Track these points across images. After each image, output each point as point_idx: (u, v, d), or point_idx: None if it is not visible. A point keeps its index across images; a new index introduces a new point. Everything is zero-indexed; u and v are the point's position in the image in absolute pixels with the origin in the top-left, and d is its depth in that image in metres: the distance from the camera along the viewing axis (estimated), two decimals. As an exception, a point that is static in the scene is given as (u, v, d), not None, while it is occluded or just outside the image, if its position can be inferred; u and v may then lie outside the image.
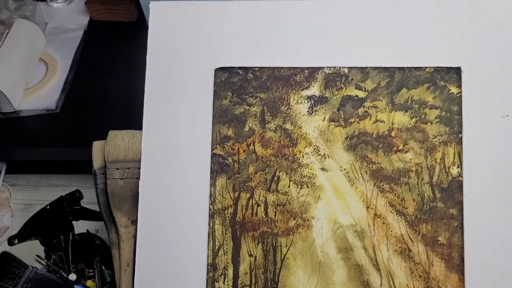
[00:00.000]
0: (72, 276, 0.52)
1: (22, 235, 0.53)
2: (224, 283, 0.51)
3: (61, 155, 0.76)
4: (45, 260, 0.54)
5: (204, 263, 0.51)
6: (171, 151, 0.52)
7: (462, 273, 0.47)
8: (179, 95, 0.53)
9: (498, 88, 0.49)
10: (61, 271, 0.54)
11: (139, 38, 0.87)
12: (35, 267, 0.52)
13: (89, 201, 0.62)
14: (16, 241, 0.53)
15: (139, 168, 0.53)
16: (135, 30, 0.93)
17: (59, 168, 0.80)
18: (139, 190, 0.52)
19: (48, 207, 0.52)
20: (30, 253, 0.57)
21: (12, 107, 0.80)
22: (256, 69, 0.53)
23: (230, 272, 0.51)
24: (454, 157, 0.49)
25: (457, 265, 0.48)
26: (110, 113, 0.77)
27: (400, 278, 0.49)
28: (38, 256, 0.55)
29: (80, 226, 0.62)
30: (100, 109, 0.78)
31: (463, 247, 0.48)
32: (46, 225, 0.53)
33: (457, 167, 0.49)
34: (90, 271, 0.55)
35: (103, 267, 0.54)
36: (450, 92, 0.50)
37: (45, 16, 0.96)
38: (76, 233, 0.58)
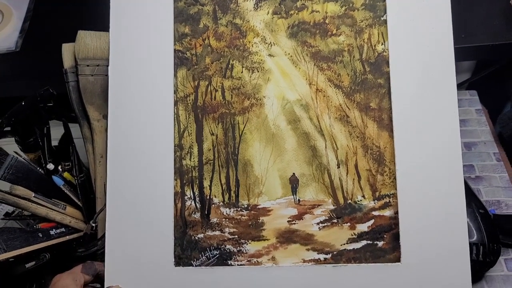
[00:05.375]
0: (50, 166, 0.56)
1: (-1, 132, 0.57)
2: (190, 160, 0.58)
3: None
4: (22, 156, 0.58)
5: (171, 145, 0.57)
6: (136, 49, 0.58)
7: (391, 131, 0.57)
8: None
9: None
10: (37, 168, 0.58)
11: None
12: (15, 155, 0.56)
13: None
14: (-8, 138, 0.57)
15: (108, 65, 0.58)
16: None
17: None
18: (109, 84, 0.57)
19: (23, 103, 0.57)
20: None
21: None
22: (206, -27, 0.60)
23: (195, 150, 0.58)
24: (378, 36, 0.58)
25: (387, 125, 0.57)
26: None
27: (341, 140, 0.57)
28: (15, 152, 0.59)
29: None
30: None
31: (391, 109, 0.57)
32: (22, 121, 0.57)
33: (381, 45, 0.58)
34: (67, 164, 0.60)
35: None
36: (372, -17, 0.59)
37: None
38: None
